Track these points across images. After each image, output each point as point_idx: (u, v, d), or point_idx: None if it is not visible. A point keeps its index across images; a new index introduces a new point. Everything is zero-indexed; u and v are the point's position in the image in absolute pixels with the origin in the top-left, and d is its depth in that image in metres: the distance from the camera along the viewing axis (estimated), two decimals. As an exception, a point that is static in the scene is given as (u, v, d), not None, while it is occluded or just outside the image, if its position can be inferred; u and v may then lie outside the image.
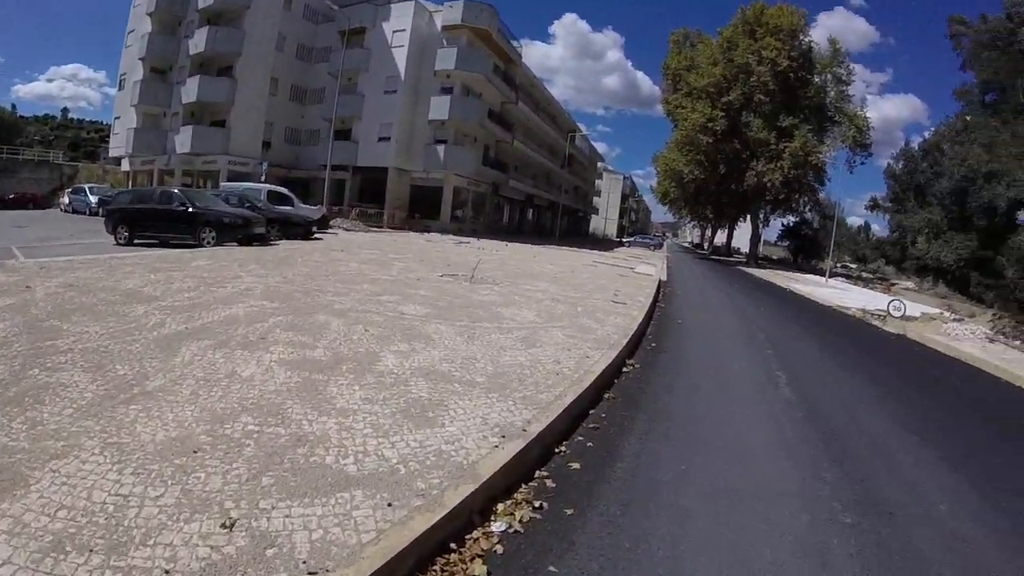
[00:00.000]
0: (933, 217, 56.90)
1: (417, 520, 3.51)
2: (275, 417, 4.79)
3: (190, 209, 18.76)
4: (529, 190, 60.34)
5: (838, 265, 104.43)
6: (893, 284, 52.45)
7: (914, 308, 28.54)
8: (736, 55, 52.51)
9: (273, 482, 3.75)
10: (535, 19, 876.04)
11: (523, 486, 4.61)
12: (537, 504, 4.34)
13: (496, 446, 4.71)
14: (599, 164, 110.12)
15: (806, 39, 54.91)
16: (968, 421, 9.14)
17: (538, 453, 5.15)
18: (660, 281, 24.22)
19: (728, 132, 52.74)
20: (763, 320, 17.72)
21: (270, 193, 27.17)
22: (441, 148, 44.72)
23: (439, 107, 44.59)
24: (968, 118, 54.34)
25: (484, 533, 3.88)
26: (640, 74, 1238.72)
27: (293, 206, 26.87)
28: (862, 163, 59.58)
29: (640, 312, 13.23)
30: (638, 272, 27.35)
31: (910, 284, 53.89)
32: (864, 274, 73.16)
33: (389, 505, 3.62)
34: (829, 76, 56.65)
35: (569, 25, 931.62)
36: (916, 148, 74.48)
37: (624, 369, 8.77)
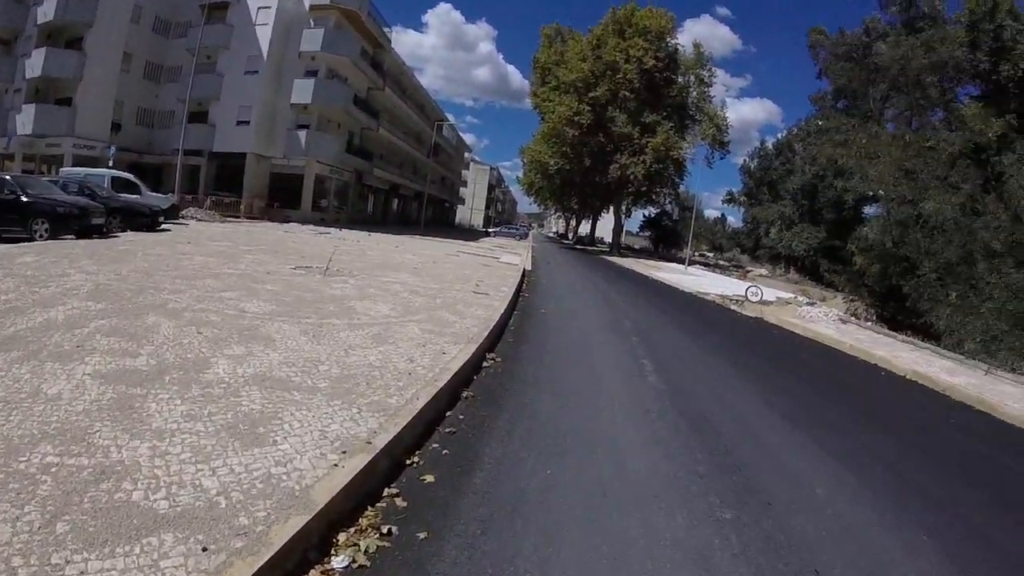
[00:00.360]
0: (785, 210, 60.88)
1: (237, 567, 2.91)
2: (79, 444, 3.97)
3: (22, 198, 16.39)
4: (395, 179, 59.00)
5: (696, 254, 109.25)
6: (748, 271, 55.53)
7: (770, 293, 29.87)
8: (605, 53, 53.85)
9: (69, 529, 3.03)
10: (409, 7, 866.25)
11: (369, 508, 4.04)
12: (385, 530, 3.80)
13: (336, 464, 4.10)
14: (466, 155, 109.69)
15: (673, 41, 57.26)
16: (833, 400, 9.50)
17: (386, 467, 4.58)
18: (525, 270, 24.16)
19: (594, 126, 53.91)
20: (628, 307, 17.92)
21: (115, 180, 24.71)
22: (303, 134, 42.34)
23: (303, 90, 42.21)
24: (820, 122, 58.20)
25: (323, 572, 3.32)
26: (511, 68, 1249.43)
27: (140, 194, 24.68)
28: (720, 159, 63.22)
29: (502, 303, 12.92)
30: (502, 262, 27.19)
31: (764, 271, 57.37)
32: (721, 262, 77.16)
33: (204, 550, 3.00)
34: (692, 78, 60.01)
35: (443, 14, 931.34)
36: (770, 148, 79.60)
37: (484, 364, 8.33)
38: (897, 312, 24.98)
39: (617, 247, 65.15)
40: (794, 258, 60.11)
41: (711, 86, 60.71)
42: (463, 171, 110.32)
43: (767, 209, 66.20)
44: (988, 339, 17.63)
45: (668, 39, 56.13)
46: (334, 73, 44.42)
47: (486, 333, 9.29)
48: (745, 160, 72.84)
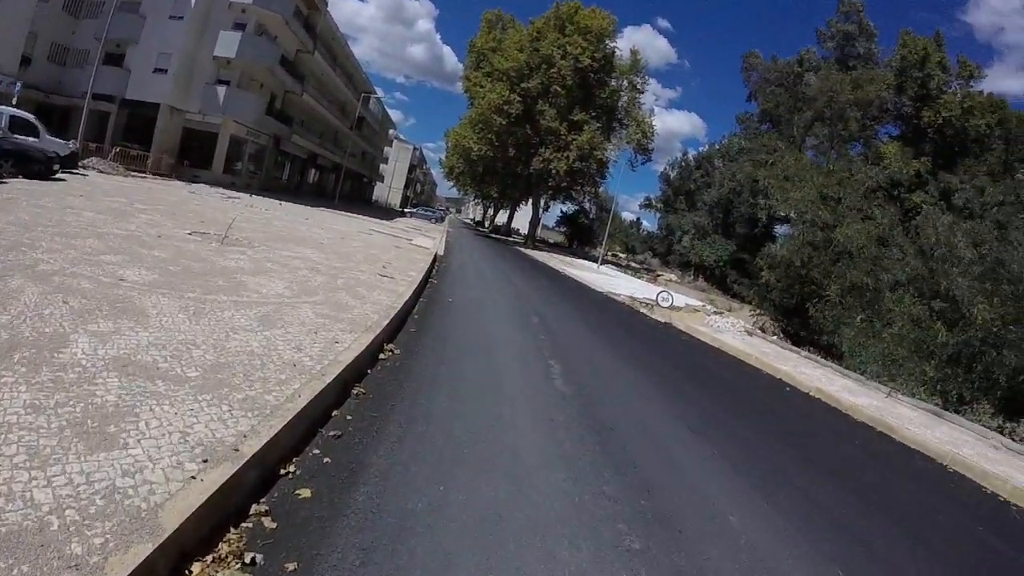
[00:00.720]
0: (701, 220, 62.38)
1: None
2: None
3: None
4: (314, 148, 56.63)
5: (609, 254, 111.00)
6: (658, 275, 56.47)
7: (679, 299, 30.59)
8: (542, 46, 53.63)
9: None
10: None
11: (232, 531, 3.47)
12: (249, 559, 3.26)
13: (194, 476, 3.52)
14: (391, 131, 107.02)
15: (611, 44, 57.35)
16: (742, 415, 9.55)
17: (256, 479, 4.01)
18: (437, 255, 23.78)
19: (522, 117, 53.64)
20: (537, 302, 17.78)
21: (12, 120, 22.90)
22: (223, 90, 40.01)
23: (228, 43, 39.63)
24: (744, 142, 62.02)
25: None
26: (447, 49, 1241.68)
27: (38, 137, 23.03)
28: (643, 164, 63.51)
29: (408, 288, 12.45)
30: (415, 244, 26.62)
31: (673, 276, 58.40)
32: (632, 264, 78.27)
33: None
34: (626, 82, 60.67)
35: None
36: (691, 160, 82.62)
37: (381, 356, 7.82)
38: (800, 328, 25.43)
39: (532, 240, 65.23)
40: (704, 267, 61.76)
41: (643, 93, 61.67)
42: (385, 148, 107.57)
43: (682, 218, 68.30)
44: (888, 363, 18.05)
45: (607, 41, 56.23)
46: (263, 29, 42.34)
47: (386, 322, 8.77)
48: (665, 169, 75.42)
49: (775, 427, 9.36)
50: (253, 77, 42.79)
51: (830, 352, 21.78)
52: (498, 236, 75.99)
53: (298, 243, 15.97)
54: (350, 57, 61.82)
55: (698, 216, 64.11)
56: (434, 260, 21.03)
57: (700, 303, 31.95)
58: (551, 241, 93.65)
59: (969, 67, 51.87)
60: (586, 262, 55.12)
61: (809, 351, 20.90)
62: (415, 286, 13.08)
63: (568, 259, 51.91)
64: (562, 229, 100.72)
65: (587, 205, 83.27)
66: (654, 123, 60.24)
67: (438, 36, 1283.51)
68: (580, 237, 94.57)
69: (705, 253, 59.32)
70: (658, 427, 7.53)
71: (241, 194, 33.47)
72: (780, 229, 59.10)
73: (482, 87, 54.60)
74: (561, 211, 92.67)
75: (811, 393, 12.80)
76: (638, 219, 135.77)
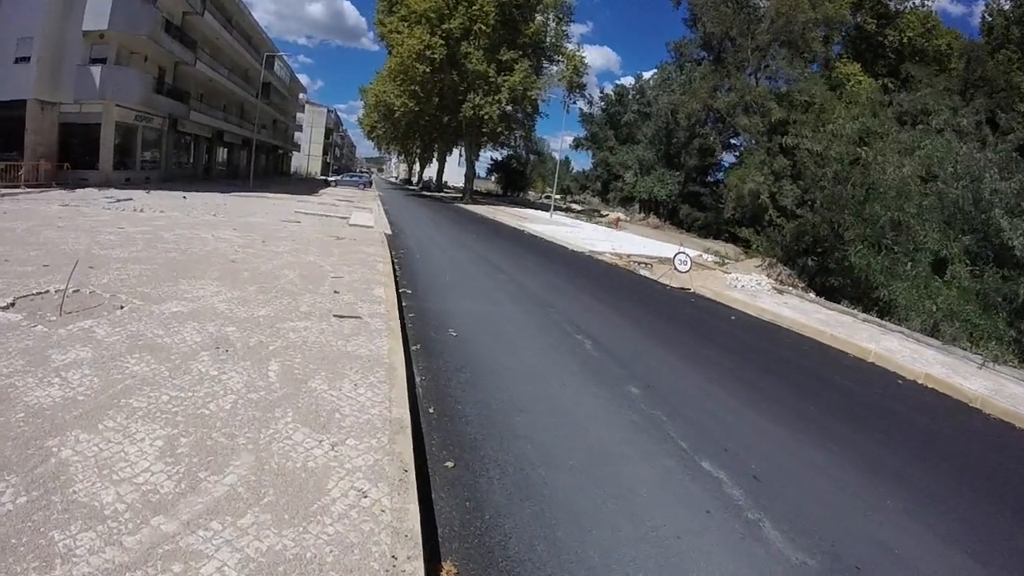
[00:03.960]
0: (644, 154, 58.10)
1: None
2: None
3: None
4: (218, 124, 48.76)
5: (543, 196, 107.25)
6: (619, 219, 52.84)
7: (658, 247, 28.26)
8: (460, -20, 47.72)
9: None
10: None
11: None
12: None
13: None
14: (301, 96, 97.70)
15: None
16: (914, 456, 6.76)
17: None
18: (385, 236, 18.95)
19: (446, 62, 47.87)
20: (545, 291, 13.30)
21: None
22: (98, 70, 32.09)
23: (97, 12, 31.56)
24: (688, 73, 57.66)
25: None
26: (347, 4, 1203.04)
27: None
28: (574, 103, 58.24)
29: (392, 342, 7.28)
30: (354, 224, 21.36)
31: (622, 215, 54.76)
32: (573, 206, 74.29)
33: None
34: (551, 15, 54.87)
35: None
36: (613, 94, 78.93)
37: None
38: (818, 274, 21.58)
39: (470, 194, 59.79)
40: (653, 202, 58.04)
41: (570, 24, 56.75)
42: (298, 114, 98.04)
43: (626, 153, 64.02)
44: (954, 320, 14.87)
45: (530, -31, 50.82)
46: None
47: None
48: (581, 108, 70.49)
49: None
50: (134, 50, 34.97)
51: (868, 304, 18.04)
52: (430, 194, 70.37)
53: (196, 273, 9.89)
54: (246, 15, 53.18)
55: (642, 150, 59.79)
56: (387, 246, 16.11)
57: (695, 253, 27.60)
58: (483, 191, 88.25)
59: None
60: (536, 212, 50.76)
61: (848, 306, 17.72)
62: (398, 331, 7.88)
63: (516, 211, 47.19)
64: (492, 177, 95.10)
65: (518, 150, 78.05)
66: (584, 57, 55.05)
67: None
68: (514, 184, 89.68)
69: (655, 188, 55.27)
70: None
71: (135, 193, 26.92)
72: (728, 157, 57.23)
73: (399, 33, 47.85)
74: (491, 159, 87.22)
75: (919, 381, 10.14)
76: (566, 158, 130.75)
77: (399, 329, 7.88)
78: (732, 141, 55.09)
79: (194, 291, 8.57)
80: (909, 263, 17.42)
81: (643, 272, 20.11)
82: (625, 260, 21.95)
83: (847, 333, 12.74)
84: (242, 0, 50.92)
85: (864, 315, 15.92)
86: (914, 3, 48.57)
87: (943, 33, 47.53)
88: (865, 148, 19.49)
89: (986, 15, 46.49)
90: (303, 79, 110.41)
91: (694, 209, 54.12)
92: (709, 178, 57.48)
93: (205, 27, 42.92)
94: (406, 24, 48.23)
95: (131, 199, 22.97)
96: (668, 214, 57.19)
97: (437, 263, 15.58)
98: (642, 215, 58.24)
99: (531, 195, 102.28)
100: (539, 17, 54.02)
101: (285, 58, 67.31)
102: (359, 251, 14.29)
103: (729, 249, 41.28)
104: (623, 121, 71.00)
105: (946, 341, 13.61)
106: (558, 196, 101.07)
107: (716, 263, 23.64)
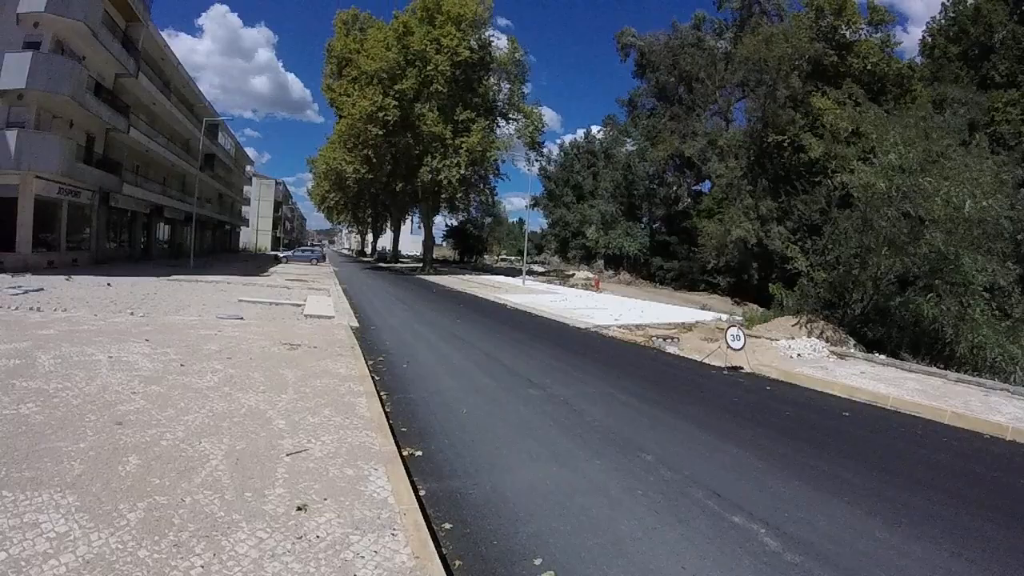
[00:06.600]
0: (607, 209, 55.38)
1: None
2: None
3: None
4: (157, 199, 42.77)
5: (498, 259, 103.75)
6: (571, 274, 49.52)
7: (663, 311, 25.56)
8: (412, 41, 43.97)
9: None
10: (183, 9, 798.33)
11: None
12: None
13: None
14: (248, 168, 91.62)
15: (487, 32, 49.09)
16: None
17: None
18: (352, 330, 14.26)
19: (400, 124, 43.69)
20: (605, 415, 8.37)
21: None
22: (13, 135, 26.48)
23: (15, 68, 26.25)
24: (647, 120, 56.78)
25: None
26: (291, 76, 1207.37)
27: None
28: (536, 160, 54.85)
29: None
30: (311, 315, 16.45)
31: (590, 273, 52.19)
32: (535, 268, 70.84)
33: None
34: (505, 73, 51.84)
35: (219, 17, 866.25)
36: (569, 149, 76.79)
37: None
38: (862, 325, 18.40)
39: (430, 263, 55.17)
40: (622, 257, 55.16)
41: (525, 82, 53.37)
42: (245, 187, 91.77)
43: (587, 208, 61.33)
44: None
45: (483, 29, 47.90)
46: (64, 46, 29.22)
47: None
48: (541, 164, 67.52)
49: None
50: (57, 113, 29.42)
51: (928, 355, 16.35)
52: (387, 265, 65.57)
53: (36, 470, 4.69)
54: (186, 80, 47.98)
55: (603, 204, 56.74)
56: (361, 354, 11.36)
57: (711, 317, 23.64)
58: (440, 258, 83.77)
59: (880, 12, 49.01)
60: (504, 278, 46.49)
61: (920, 362, 15.34)
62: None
63: (484, 280, 42.84)
64: (446, 243, 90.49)
65: (475, 213, 74.01)
66: (542, 114, 51.74)
67: (280, 64, 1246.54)
68: (471, 248, 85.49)
69: (623, 242, 52.07)
70: None
71: (53, 280, 21.18)
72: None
73: (348, 96, 43.68)
74: (447, 224, 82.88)
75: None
76: (520, 219, 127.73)
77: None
78: (696, 188, 53.01)
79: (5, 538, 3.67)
80: (980, 307, 15.66)
81: (671, 349, 15.91)
82: (643, 336, 17.68)
83: (960, 404, 10.48)
84: (181, 64, 45.89)
85: (955, 375, 13.40)
86: (867, 31, 48.39)
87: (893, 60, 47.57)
88: (927, 178, 16.00)
89: (926, 35, 48.11)
90: (250, 152, 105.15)
91: (665, 260, 51.17)
92: (679, 226, 54.63)
93: (140, 91, 37.66)
94: (356, 86, 43.99)
95: (42, 289, 17.75)
96: (636, 267, 53.82)
97: (436, 377, 10.40)
98: (610, 272, 54.75)
99: (487, 259, 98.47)
100: (492, 77, 50.89)
101: (229, 127, 62.23)
102: (324, 370, 9.29)
103: (713, 300, 37.87)
104: (580, 178, 68.31)
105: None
106: (515, 258, 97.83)
107: (728, 325, 19.81)
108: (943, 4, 45.98)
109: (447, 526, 4.75)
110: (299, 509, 4.40)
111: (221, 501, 4.41)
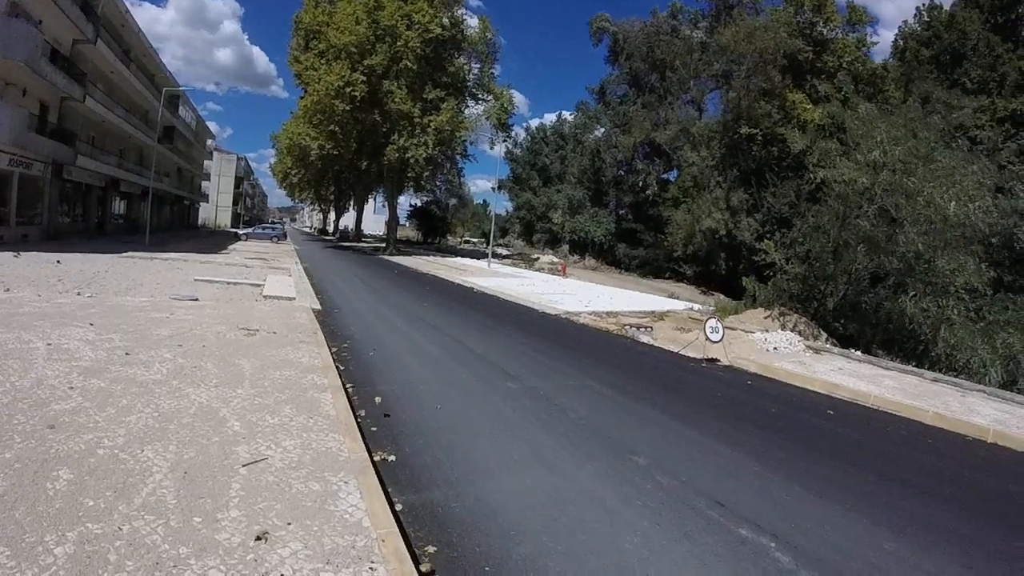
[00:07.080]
0: (574, 194, 54.82)
1: None
2: None
3: None
4: (113, 172, 40.78)
5: (462, 241, 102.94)
6: (536, 258, 49.07)
7: (633, 298, 25.19)
8: (383, 16, 42.35)
9: None
10: None
11: None
12: None
13: None
14: (209, 142, 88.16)
15: (459, 10, 48.09)
16: None
17: None
18: (314, 312, 13.56)
19: (368, 101, 42.48)
20: (592, 411, 7.87)
21: None
22: None
23: None
24: (634, 107, 54.65)
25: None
26: (256, 49, 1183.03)
27: None
28: (504, 141, 54.05)
29: None
30: (271, 296, 15.73)
31: (555, 257, 51.57)
32: (499, 250, 70.22)
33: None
34: (475, 53, 51.12)
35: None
36: (536, 133, 76.46)
37: None
38: (836, 319, 18.34)
39: (393, 243, 54.10)
40: (583, 242, 55.00)
41: (495, 63, 52.80)
42: (205, 161, 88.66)
43: (553, 193, 60.77)
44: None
45: (456, 7, 46.95)
46: (19, 9, 26.54)
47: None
48: (508, 147, 66.75)
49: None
50: (9, 80, 27.53)
51: (900, 353, 16.29)
52: (349, 244, 64.28)
53: None
54: (148, 50, 45.63)
55: (570, 189, 56.24)
56: (324, 340, 10.65)
57: (682, 306, 23.38)
58: (403, 239, 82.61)
59: (858, 12, 49.71)
60: (469, 261, 45.78)
61: (894, 359, 15.25)
62: None
63: (449, 262, 42.11)
64: (409, 223, 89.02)
65: (439, 194, 73.00)
66: (512, 95, 50.79)
67: (246, 36, 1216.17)
68: (435, 230, 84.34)
69: (590, 228, 51.66)
70: None
71: (1, 256, 20.37)
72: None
73: (316, 70, 42.11)
74: (411, 204, 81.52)
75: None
76: (484, 202, 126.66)
77: None
78: (664, 176, 52.68)
79: None
80: (959, 307, 15.80)
81: (644, 339, 15.47)
82: (615, 324, 17.22)
83: (940, 404, 10.35)
84: (143, 33, 43.85)
85: (932, 374, 13.25)
86: (844, 31, 48.60)
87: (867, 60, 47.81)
88: (911, 178, 15.71)
89: (899, 38, 48.16)
90: (212, 126, 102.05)
91: (631, 247, 50.89)
92: (646, 213, 54.28)
93: (98, 58, 35.82)
94: (324, 60, 42.52)
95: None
96: (602, 253, 53.54)
97: (405, 367, 9.68)
98: (576, 257, 54.31)
99: (451, 241, 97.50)
100: (462, 57, 49.75)
101: (190, 99, 60.09)
102: (284, 360, 8.54)
103: (680, 289, 37.75)
104: (547, 160, 67.66)
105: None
106: (479, 240, 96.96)
107: (699, 313, 19.59)
108: (918, 9, 46.24)
109: (431, 549, 4.14)
110: (258, 539, 3.71)
111: (166, 529, 3.71)
